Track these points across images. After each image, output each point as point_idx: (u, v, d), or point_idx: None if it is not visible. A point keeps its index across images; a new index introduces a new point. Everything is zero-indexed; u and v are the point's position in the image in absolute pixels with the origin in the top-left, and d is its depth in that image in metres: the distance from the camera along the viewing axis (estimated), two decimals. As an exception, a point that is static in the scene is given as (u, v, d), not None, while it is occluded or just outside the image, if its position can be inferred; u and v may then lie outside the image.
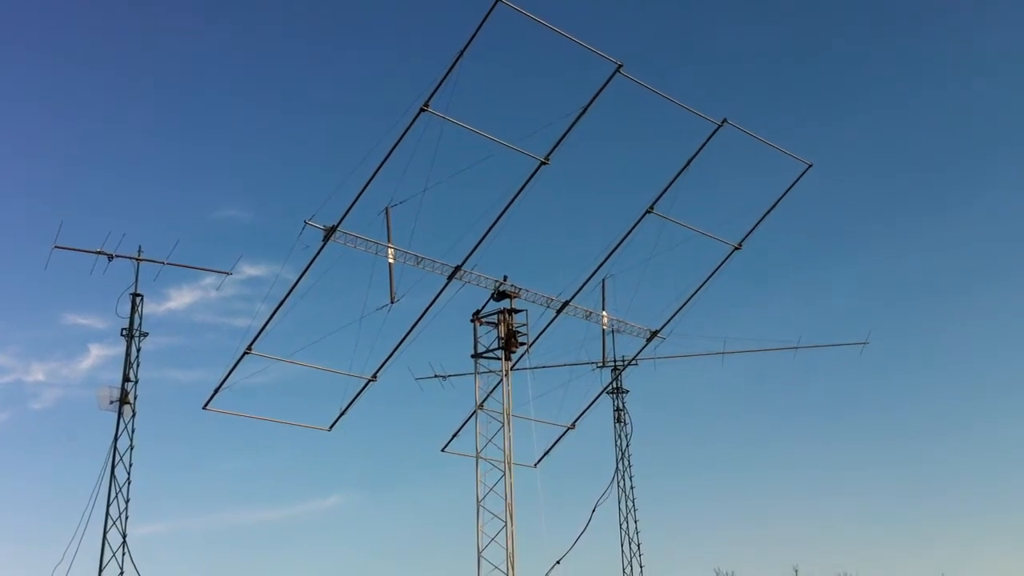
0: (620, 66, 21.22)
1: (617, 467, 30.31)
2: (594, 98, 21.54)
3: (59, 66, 67.00)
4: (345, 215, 20.44)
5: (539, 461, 27.45)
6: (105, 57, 69.16)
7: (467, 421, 24.26)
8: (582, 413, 28.36)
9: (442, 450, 25.41)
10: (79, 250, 24.66)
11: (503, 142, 21.34)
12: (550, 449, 27.47)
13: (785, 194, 26.34)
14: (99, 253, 24.79)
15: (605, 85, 21.35)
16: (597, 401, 29.14)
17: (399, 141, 19.70)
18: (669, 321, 26.94)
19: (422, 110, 19.61)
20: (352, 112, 70.38)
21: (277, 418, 23.91)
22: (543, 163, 21.86)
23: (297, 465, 59.27)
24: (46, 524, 49.96)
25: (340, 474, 59.69)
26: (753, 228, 26.50)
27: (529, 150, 21.76)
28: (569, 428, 27.72)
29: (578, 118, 21.64)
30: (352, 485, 60.49)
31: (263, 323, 20.93)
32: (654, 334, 27.23)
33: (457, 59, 19.06)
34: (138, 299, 25.04)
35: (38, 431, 59.26)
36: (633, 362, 29.58)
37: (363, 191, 20.04)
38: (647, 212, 24.46)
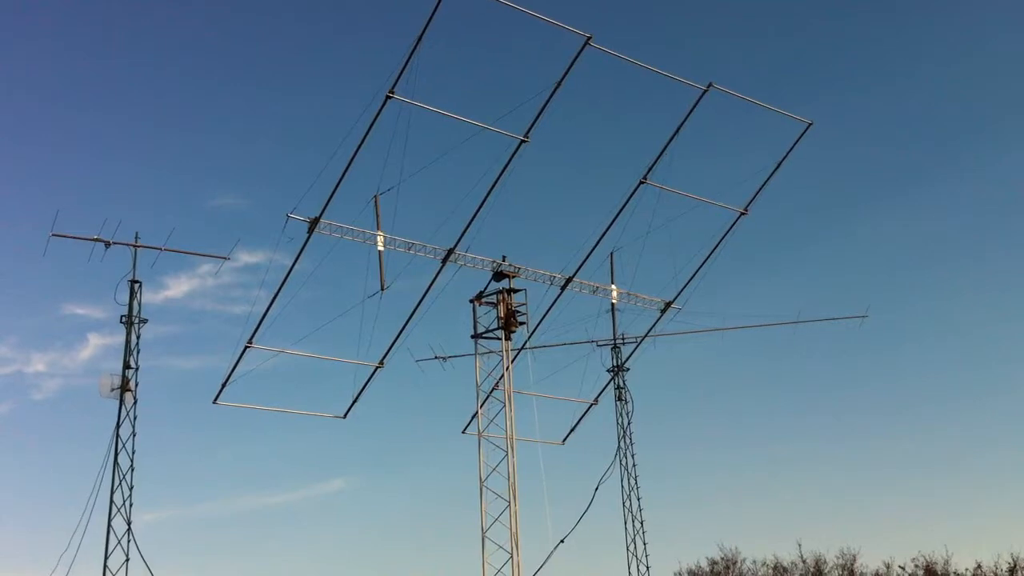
0: (589, 39, 20.93)
1: (619, 445, 30.26)
2: (566, 73, 21.35)
3: (56, 56, 67.22)
4: (326, 207, 20.44)
5: (567, 437, 27.63)
6: (102, 48, 69.17)
7: (484, 402, 24.23)
8: (603, 389, 28.70)
9: (463, 432, 25.48)
10: (76, 237, 24.62)
11: (481, 123, 21.20)
12: (576, 425, 27.62)
13: (788, 154, 26.03)
14: (96, 240, 24.72)
15: (576, 59, 21.13)
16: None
17: (369, 129, 19.63)
18: (683, 290, 26.85)
19: (388, 97, 19.43)
20: (349, 97, 70.25)
21: (286, 408, 24.15)
22: (523, 141, 21.72)
23: (300, 450, 59.71)
24: (51, 512, 50.48)
25: (344, 458, 60.13)
26: (758, 191, 26.24)
27: (508, 129, 21.68)
28: (592, 404, 27.79)
29: (552, 94, 21.47)
30: (356, 469, 60.89)
31: (259, 317, 21.11)
32: (668, 304, 26.99)
33: (416, 44, 18.87)
34: (136, 286, 25.04)
35: (40, 421, 59.62)
36: (648, 336, 28.95)
37: (340, 181, 20.04)
38: (640, 183, 24.19)
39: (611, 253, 26.07)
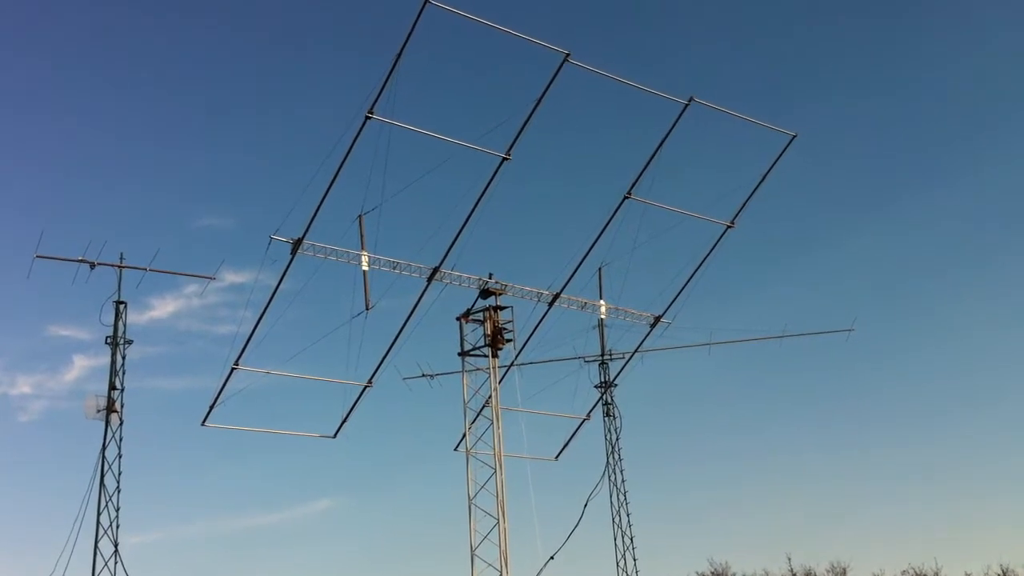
0: (567, 56, 20.94)
1: (608, 461, 30.26)
2: (546, 90, 21.32)
3: (39, 76, 66.88)
4: (308, 228, 20.43)
5: (560, 453, 27.43)
6: (86, 66, 69.03)
7: (474, 420, 24.14)
8: (595, 405, 28.70)
9: (454, 450, 25.18)
10: (61, 259, 24.64)
11: (461, 142, 21.23)
12: (569, 441, 27.45)
13: (773, 167, 25.89)
14: (81, 261, 24.74)
15: (555, 76, 21.11)
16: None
17: (349, 150, 19.64)
18: (671, 304, 26.64)
19: (367, 117, 19.45)
20: (336, 116, 70.13)
21: (275, 429, 23.96)
22: (505, 159, 21.70)
23: (286, 471, 59.52)
24: (37, 535, 50.16)
25: (332, 478, 59.86)
26: (744, 204, 26.11)
27: (490, 147, 21.66)
28: (585, 419, 27.61)
29: (532, 111, 21.43)
30: (344, 488, 60.59)
31: (245, 338, 20.98)
32: (657, 319, 26.80)
33: (395, 63, 18.89)
34: (121, 306, 25.02)
35: (26, 443, 59.30)
36: (637, 351, 28.86)
37: (322, 202, 20.02)
38: (625, 198, 24.08)
39: (599, 268, 26.04)
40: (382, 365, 22.84)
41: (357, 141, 19.45)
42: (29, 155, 66.86)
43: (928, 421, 61.30)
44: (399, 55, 18.81)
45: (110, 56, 69.71)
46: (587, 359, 30.28)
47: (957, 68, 70.41)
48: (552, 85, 21.20)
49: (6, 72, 66.09)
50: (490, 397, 23.95)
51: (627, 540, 30.14)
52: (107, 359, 24.67)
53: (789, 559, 43.39)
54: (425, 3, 18.66)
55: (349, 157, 19.60)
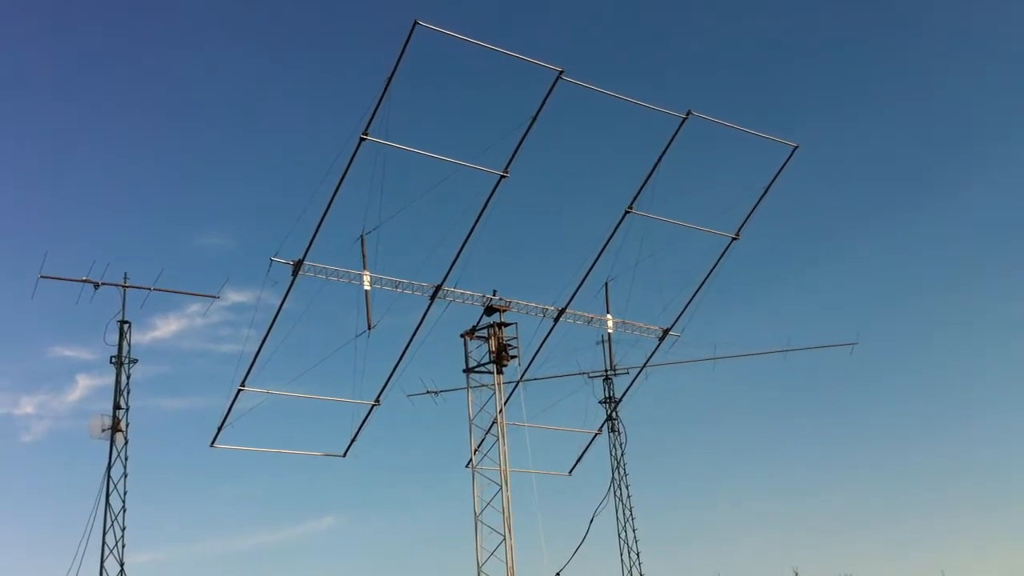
0: (561, 73, 20.88)
1: (613, 476, 30.20)
2: (541, 107, 21.22)
3: (40, 94, 67.07)
4: (307, 250, 20.45)
5: (573, 468, 27.26)
6: (88, 85, 69.22)
7: (483, 438, 24.09)
8: (605, 420, 28.72)
9: (466, 466, 24.97)
10: (65, 279, 24.72)
11: (458, 161, 21.17)
12: (582, 456, 27.31)
13: (776, 178, 25.56)
14: (85, 281, 24.82)
15: (549, 93, 21.02)
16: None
17: (346, 172, 19.68)
18: (680, 317, 26.34)
19: (362, 139, 19.49)
20: (337, 135, 69.93)
21: (283, 448, 23.91)
22: (503, 176, 21.66)
23: (291, 489, 59.37)
24: (42, 556, 50.06)
25: (335, 496, 59.68)
26: (748, 216, 25.79)
27: (488, 165, 21.61)
28: (596, 434, 27.54)
29: (529, 128, 21.32)
30: (348, 506, 60.44)
31: (250, 359, 20.94)
32: (666, 332, 26.56)
33: (387, 84, 18.92)
34: (126, 326, 25.13)
35: (29, 464, 59.40)
36: (644, 366, 28.38)
37: (320, 224, 20.07)
38: (626, 213, 23.91)
39: (606, 283, 25.90)
40: (388, 383, 22.89)
41: (353, 163, 19.50)
42: (32, 175, 67.13)
43: (933, 434, 60.92)
44: (391, 76, 18.86)
45: (110, 77, 69.84)
46: (591, 375, 30.23)
47: (962, 82, 69.87)
48: (547, 102, 21.16)
49: (7, 91, 66.40)
50: (497, 413, 23.96)
51: (633, 556, 30.09)
52: (110, 379, 24.79)
53: (796, 573, 43.17)
54: (415, 24, 18.65)
55: (346, 178, 19.67)
